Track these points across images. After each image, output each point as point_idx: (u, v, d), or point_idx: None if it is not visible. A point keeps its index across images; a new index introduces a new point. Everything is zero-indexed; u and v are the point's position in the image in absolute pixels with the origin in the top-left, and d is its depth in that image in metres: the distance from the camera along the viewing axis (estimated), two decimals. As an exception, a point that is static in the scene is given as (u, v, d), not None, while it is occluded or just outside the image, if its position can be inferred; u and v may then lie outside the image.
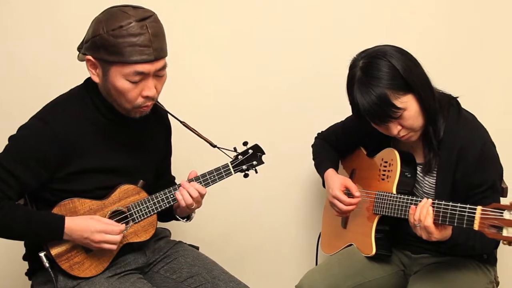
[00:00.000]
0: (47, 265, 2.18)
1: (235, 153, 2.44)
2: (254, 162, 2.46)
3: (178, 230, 2.75)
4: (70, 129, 2.17)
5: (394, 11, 2.98)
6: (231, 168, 2.42)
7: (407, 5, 2.98)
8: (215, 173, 2.38)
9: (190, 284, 2.39)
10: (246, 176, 2.47)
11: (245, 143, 2.44)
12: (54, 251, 2.19)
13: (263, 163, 2.48)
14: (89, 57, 2.12)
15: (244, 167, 2.44)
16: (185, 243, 2.56)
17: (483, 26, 2.98)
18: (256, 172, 2.48)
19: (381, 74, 2.17)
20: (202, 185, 2.34)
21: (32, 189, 2.19)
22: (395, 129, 2.24)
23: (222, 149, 2.42)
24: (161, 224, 2.48)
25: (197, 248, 2.57)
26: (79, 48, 2.20)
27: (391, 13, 2.98)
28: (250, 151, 2.45)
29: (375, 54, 2.22)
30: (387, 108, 2.17)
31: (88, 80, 2.22)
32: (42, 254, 2.18)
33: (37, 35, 2.86)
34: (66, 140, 2.16)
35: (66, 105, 2.22)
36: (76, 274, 2.23)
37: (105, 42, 2.05)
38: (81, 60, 2.20)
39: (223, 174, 2.39)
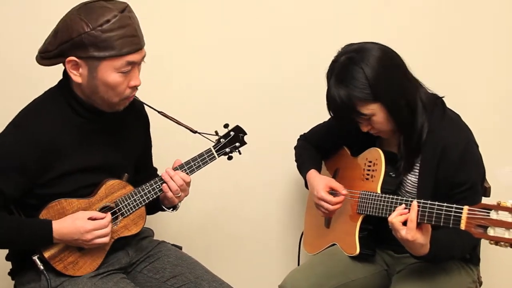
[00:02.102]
0: (41, 267, 2.14)
1: (217, 137, 2.43)
2: (237, 144, 2.45)
3: (161, 229, 2.72)
4: (47, 132, 2.13)
5: (379, 12, 2.98)
6: (214, 152, 2.40)
7: (392, 5, 2.98)
8: (198, 159, 2.37)
9: (173, 284, 2.36)
10: (230, 158, 2.46)
11: (226, 126, 2.43)
12: (47, 254, 2.16)
13: (245, 143, 2.47)
14: (72, 58, 2.06)
15: (227, 149, 2.43)
16: (168, 243, 2.53)
17: (468, 26, 3.00)
18: (240, 153, 2.47)
19: (352, 80, 2.18)
20: (187, 173, 2.33)
21: (15, 198, 2.14)
22: (365, 128, 2.28)
23: (203, 134, 2.41)
24: (143, 223, 2.47)
25: (180, 248, 2.55)
26: (42, 52, 2.12)
27: (375, 14, 2.98)
28: (232, 133, 2.43)
29: (354, 55, 2.22)
30: (353, 113, 2.21)
31: (62, 82, 2.20)
32: (35, 257, 2.14)
33: (16, 39, 2.79)
34: (45, 144, 2.12)
35: (41, 109, 2.18)
36: (71, 274, 2.20)
37: (94, 39, 2.01)
38: (48, 65, 2.13)
39: (207, 159, 2.38)
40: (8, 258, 2.31)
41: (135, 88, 2.15)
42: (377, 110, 2.20)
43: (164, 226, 2.65)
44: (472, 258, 2.40)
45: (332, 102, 2.23)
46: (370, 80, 2.16)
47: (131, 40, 2.04)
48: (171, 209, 2.42)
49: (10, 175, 2.08)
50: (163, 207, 2.41)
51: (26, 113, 2.18)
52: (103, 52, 2.02)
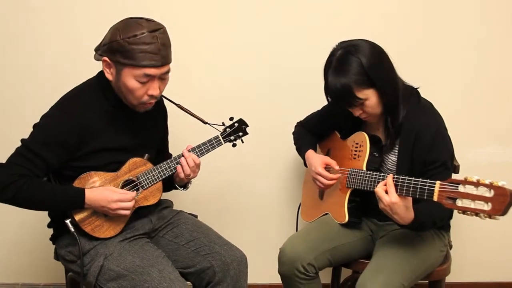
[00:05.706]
0: (72, 229, 2.22)
1: (223, 127, 2.51)
2: (240, 133, 2.53)
3: (179, 201, 2.73)
4: (84, 115, 2.23)
5: (365, 15, 2.98)
6: (221, 139, 2.48)
7: (374, 8, 2.98)
8: (207, 144, 2.45)
9: (190, 247, 2.42)
10: (234, 145, 2.54)
11: (231, 118, 2.52)
12: (77, 217, 2.24)
13: (247, 134, 2.54)
14: (106, 58, 2.19)
15: (232, 137, 2.51)
16: (186, 212, 2.58)
17: (439, 29, 2.99)
18: (242, 142, 2.54)
19: (350, 68, 2.21)
20: (198, 155, 2.40)
21: (55, 167, 2.23)
22: (357, 112, 2.32)
23: (212, 125, 2.49)
24: (164, 196, 2.50)
25: (196, 216, 2.60)
26: (96, 49, 2.26)
27: (361, 16, 2.98)
28: (236, 124, 2.52)
29: (350, 48, 2.25)
30: (350, 98, 2.24)
31: (101, 74, 2.28)
32: (67, 221, 2.22)
33: (56, 39, 2.90)
34: (82, 125, 2.21)
35: (81, 95, 2.28)
36: (97, 236, 2.27)
37: (121, 48, 2.13)
38: (97, 59, 2.26)
39: (215, 144, 2.46)
40: (49, 225, 2.40)
41: (153, 97, 2.22)
42: (370, 95, 2.24)
43: (182, 198, 2.66)
44: (444, 225, 2.44)
45: (331, 90, 2.25)
46: (366, 68, 2.20)
47: (151, 56, 2.12)
48: (182, 188, 2.50)
49: (53, 148, 2.18)
50: (176, 185, 2.48)
51: (67, 97, 2.27)
52: (125, 59, 2.13)
